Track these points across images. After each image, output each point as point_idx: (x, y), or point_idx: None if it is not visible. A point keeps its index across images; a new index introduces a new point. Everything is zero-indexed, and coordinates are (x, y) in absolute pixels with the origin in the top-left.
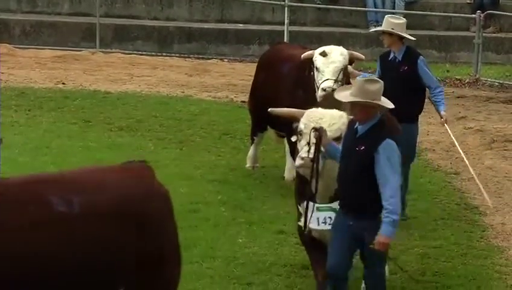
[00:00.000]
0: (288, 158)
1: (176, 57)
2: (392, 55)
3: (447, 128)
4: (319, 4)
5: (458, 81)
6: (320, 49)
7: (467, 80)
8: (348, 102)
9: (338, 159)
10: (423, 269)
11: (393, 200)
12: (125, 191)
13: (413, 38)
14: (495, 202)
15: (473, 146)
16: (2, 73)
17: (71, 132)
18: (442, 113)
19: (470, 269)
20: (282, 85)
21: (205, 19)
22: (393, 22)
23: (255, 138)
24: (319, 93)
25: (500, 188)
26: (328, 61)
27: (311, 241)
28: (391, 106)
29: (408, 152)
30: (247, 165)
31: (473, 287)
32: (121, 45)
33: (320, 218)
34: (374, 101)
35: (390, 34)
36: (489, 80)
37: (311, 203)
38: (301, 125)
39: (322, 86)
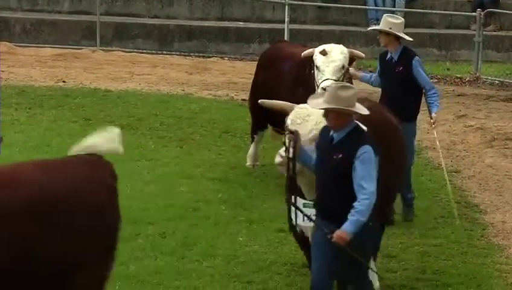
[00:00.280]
0: None
1: (176, 55)
2: (389, 55)
3: (434, 132)
4: (319, 2)
5: (458, 80)
6: (321, 48)
7: (467, 78)
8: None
9: (309, 166)
10: (423, 267)
11: (365, 202)
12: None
13: (410, 39)
14: (495, 200)
15: (474, 144)
16: (3, 71)
17: (72, 130)
18: (433, 114)
19: (470, 267)
20: (283, 83)
21: (205, 17)
22: (390, 22)
23: (255, 136)
24: (319, 92)
25: (501, 186)
26: (328, 60)
27: (305, 240)
28: (366, 112)
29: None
30: (248, 163)
31: (473, 285)
32: (122, 43)
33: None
34: (348, 108)
35: (387, 33)
36: (489, 78)
37: (298, 199)
38: (288, 121)
39: (322, 85)
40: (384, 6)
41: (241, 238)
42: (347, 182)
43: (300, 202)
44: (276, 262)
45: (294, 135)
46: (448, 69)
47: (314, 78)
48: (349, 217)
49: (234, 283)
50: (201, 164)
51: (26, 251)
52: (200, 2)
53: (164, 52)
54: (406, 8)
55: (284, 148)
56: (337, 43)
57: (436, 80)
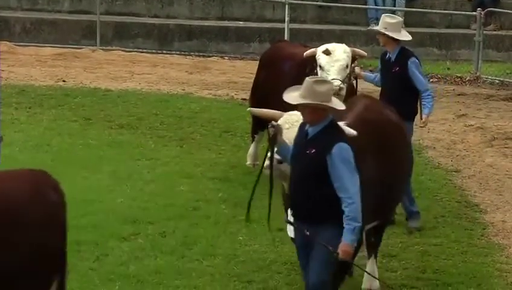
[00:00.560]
0: None
1: (177, 54)
2: (387, 55)
3: (421, 131)
4: (319, 2)
5: (459, 79)
6: (323, 47)
7: (468, 78)
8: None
9: (288, 161)
10: (423, 267)
11: (353, 206)
12: None
13: (406, 38)
14: (496, 199)
15: (474, 144)
16: (3, 70)
17: (71, 129)
18: (424, 116)
19: (471, 266)
20: (283, 83)
21: (205, 17)
22: (386, 22)
23: (255, 135)
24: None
25: (501, 186)
26: (333, 60)
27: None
28: (342, 107)
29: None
30: (248, 162)
31: (473, 284)
32: (122, 42)
33: None
34: (323, 103)
35: (383, 33)
36: (489, 77)
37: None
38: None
39: None
40: (384, 5)
41: (241, 238)
42: (320, 178)
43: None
44: (276, 261)
45: (275, 127)
46: (448, 69)
47: None
48: (345, 226)
49: (234, 282)
50: (201, 163)
51: None
52: (200, 2)
53: (164, 51)
54: (406, 7)
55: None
56: (337, 43)
57: (436, 80)
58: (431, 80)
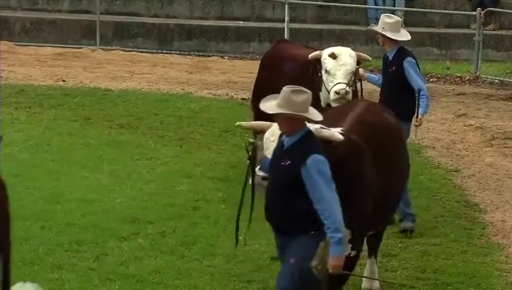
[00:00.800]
0: None
1: (176, 54)
2: (386, 55)
3: (416, 130)
4: (319, 1)
5: (458, 79)
6: (329, 51)
7: (467, 78)
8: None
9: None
10: (423, 267)
11: (333, 217)
12: None
13: (404, 39)
14: (495, 199)
15: (473, 143)
16: (2, 70)
17: (71, 129)
18: (419, 115)
19: (470, 266)
20: (285, 85)
21: (205, 16)
22: (384, 22)
23: (257, 135)
24: (332, 96)
25: (501, 186)
26: (339, 64)
27: None
28: (320, 118)
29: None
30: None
31: (473, 284)
32: (121, 42)
33: None
34: (300, 113)
35: (381, 33)
36: (489, 77)
37: None
38: (264, 137)
39: (335, 89)
40: (384, 5)
41: (241, 237)
42: (294, 190)
43: None
44: (277, 261)
45: (254, 145)
46: (448, 68)
47: (317, 81)
48: (331, 240)
49: (234, 282)
50: (201, 163)
51: None
52: (200, 1)
53: (164, 51)
54: (406, 7)
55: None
56: (337, 42)
57: (436, 79)
58: (431, 80)
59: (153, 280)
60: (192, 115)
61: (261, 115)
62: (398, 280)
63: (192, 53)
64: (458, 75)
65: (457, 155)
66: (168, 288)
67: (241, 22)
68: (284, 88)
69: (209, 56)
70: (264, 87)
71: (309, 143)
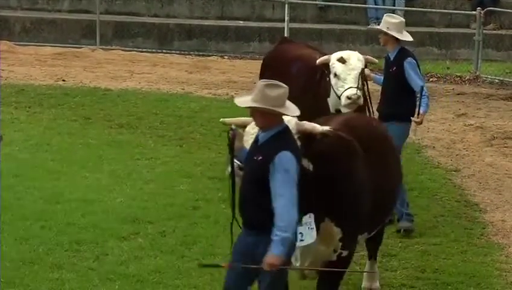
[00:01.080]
0: None
1: (176, 54)
2: (388, 55)
3: (416, 128)
4: (319, 1)
5: (458, 78)
6: (337, 55)
7: (467, 77)
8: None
9: None
10: (423, 266)
11: (286, 216)
12: None
13: (408, 39)
14: (495, 199)
15: (473, 143)
16: (2, 70)
17: (71, 129)
18: (420, 114)
19: (470, 266)
20: (292, 86)
21: (205, 16)
22: (389, 21)
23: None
24: (344, 101)
25: (501, 185)
26: (349, 68)
27: None
28: (296, 113)
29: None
30: None
31: (473, 284)
32: (121, 42)
33: None
34: (274, 108)
35: (385, 33)
36: (489, 77)
37: None
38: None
39: (347, 93)
40: (384, 5)
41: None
42: (264, 186)
43: None
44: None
45: (233, 132)
46: (448, 68)
47: (325, 86)
48: (274, 237)
49: None
50: (201, 163)
51: None
52: (200, 1)
53: (164, 51)
54: (406, 6)
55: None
56: (337, 42)
57: (436, 79)
58: (431, 80)
59: (153, 280)
60: (192, 115)
61: None
62: (398, 279)
63: (192, 53)
64: (458, 74)
65: (457, 155)
66: (168, 288)
67: (241, 22)
68: (259, 82)
69: (209, 56)
70: None
71: (282, 140)
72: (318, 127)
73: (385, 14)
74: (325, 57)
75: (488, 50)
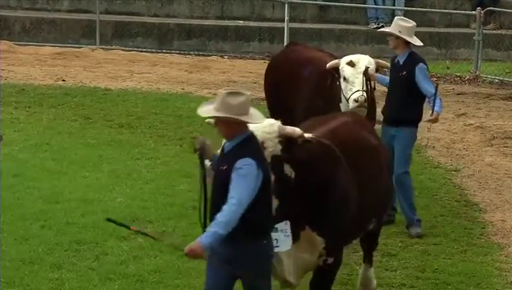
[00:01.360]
0: None
1: (176, 53)
2: (396, 58)
3: (428, 125)
4: (319, 1)
5: (458, 78)
6: (347, 59)
7: (467, 77)
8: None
9: None
10: (423, 266)
11: (227, 215)
12: None
13: (420, 44)
14: (495, 198)
15: (473, 143)
16: (2, 70)
17: (71, 128)
18: (434, 112)
19: (470, 265)
20: (304, 90)
21: (205, 16)
22: (401, 25)
23: None
24: (351, 104)
25: (500, 185)
26: (357, 72)
27: None
28: (259, 121)
29: (398, 159)
30: None
31: (473, 283)
32: (121, 41)
33: None
34: (236, 117)
35: (396, 36)
36: (489, 76)
37: None
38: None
39: (354, 97)
40: (384, 5)
41: None
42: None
43: None
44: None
45: (200, 141)
46: (448, 68)
47: (337, 91)
48: (209, 228)
49: None
50: None
51: None
52: (200, 1)
53: (164, 50)
54: (405, 6)
55: None
56: (337, 42)
57: (436, 79)
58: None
59: (153, 280)
60: (192, 115)
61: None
62: (397, 279)
63: (192, 52)
64: (458, 74)
65: (457, 155)
66: (168, 288)
67: (240, 22)
68: (220, 91)
69: (209, 56)
70: (279, 90)
71: (245, 148)
72: (298, 131)
73: (396, 17)
74: (335, 60)
75: (488, 50)
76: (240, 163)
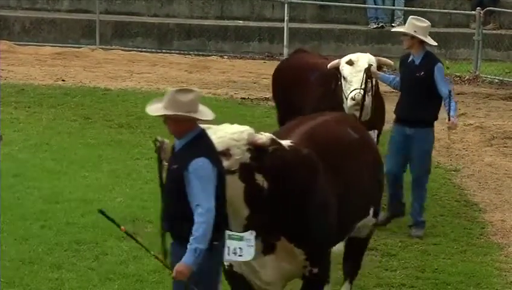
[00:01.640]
0: None
1: (176, 53)
2: (410, 58)
3: (449, 132)
4: (318, 1)
5: (458, 78)
6: (347, 58)
7: (467, 77)
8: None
9: None
10: (423, 266)
11: (202, 226)
12: None
13: (435, 44)
14: (495, 198)
15: (473, 143)
16: (2, 70)
17: (71, 128)
18: (452, 117)
19: (470, 265)
20: (310, 94)
21: (205, 16)
22: (416, 25)
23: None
24: (349, 103)
25: (500, 185)
26: (356, 70)
27: (232, 278)
28: (209, 118)
29: (419, 160)
30: None
31: (473, 283)
32: (121, 41)
33: (231, 248)
34: (186, 114)
35: (411, 36)
36: (489, 76)
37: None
38: None
39: (351, 95)
40: (383, 4)
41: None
42: (181, 195)
43: (226, 233)
44: None
45: (160, 143)
46: (447, 68)
47: (339, 92)
48: (188, 245)
49: None
50: None
51: None
52: (200, 1)
53: (164, 50)
54: (405, 6)
55: None
56: (336, 42)
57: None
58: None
59: (153, 280)
60: None
61: (285, 119)
62: (397, 279)
63: (191, 52)
64: (458, 74)
65: (456, 155)
66: (168, 288)
67: (240, 22)
68: (170, 89)
69: (209, 55)
70: (289, 94)
71: (196, 146)
72: (267, 140)
73: (410, 17)
74: (336, 60)
75: (487, 50)
76: (194, 165)
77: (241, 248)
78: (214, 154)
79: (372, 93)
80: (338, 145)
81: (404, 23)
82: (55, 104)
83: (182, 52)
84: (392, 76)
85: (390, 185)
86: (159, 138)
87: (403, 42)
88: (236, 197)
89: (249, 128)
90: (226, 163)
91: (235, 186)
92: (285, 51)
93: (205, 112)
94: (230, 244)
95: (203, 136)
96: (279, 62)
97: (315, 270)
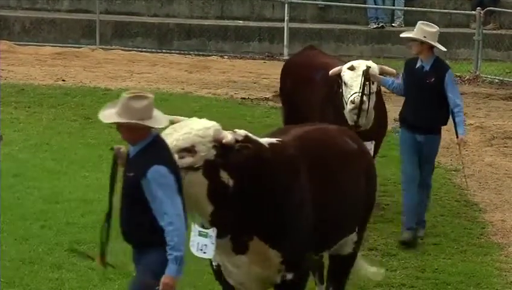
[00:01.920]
0: None
1: (176, 53)
2: (419, 64)
3: (460, 150)
4: (318, 1)
5: (458, 78)
6: (348, 64)
7: (467, 77)
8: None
9: None
10: (423, 266)
11: (174, 233)
12: None
13: (444, 49)
14: (495, 198)
15: (473, 143)
16: (2, 70)
17: (71, 128)
18: (460, 135)
19: (470, 265)
20: (315, 94)
21: (205, 16)
22: (425, 30)
23: None
24: (349, 106)
25: (500, 185)
26: (356, 74)
27: (220, 278)
28: (162, 124)
29: (427, 162)
30: None
31: (473, 283)
32: (121, 41)
33: (199, 244)
34: (139, 121)
35: (421, 42)
36: (489, 76)
37: (195, 225)
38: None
39: (351, 98)
40: (384, 5)
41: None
42: (139, 203)
43: (196, 229)
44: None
45: (115, 150)
46: None
47: (341, 97)
48: (168, 257)
49: None
50: None
51: None
52: (200, 1)
53: (164, 50)
54: (405, 6)
55: None
56: (336, 42)
57: None
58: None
59: None
60: (192, 115)
61: (290, 119)
62: (397, 279)
63: (191, 52)
64: (458, 74)
65: (457, 155)
66: None
67: (240, 22)
68: (123, 94)
69: (209, 55)
70: (294, 93)
71: (151, 153)
72: (232, 137)
73: (419, 22)
74: (338, 67)
75: (487, 50)
76: (153, 173)
77: (205, 245)
78: (169, 160)
79: (372, 98)
80: (329, 151)
81: (405, 23)
82: (55, 104)
83: (182, 52)
84: (392, 79)
85: (407, 187)
86: (115, 146)
87: (412, 47)
88: (200, 194)
89: (215, 124)
90: (190, 160)
91: (198, 183)
92: (286, 51)
93: (159, 119)
94: (199, 240)
95: (157, 141)
96: (279, 62)
97: (289, 276)
